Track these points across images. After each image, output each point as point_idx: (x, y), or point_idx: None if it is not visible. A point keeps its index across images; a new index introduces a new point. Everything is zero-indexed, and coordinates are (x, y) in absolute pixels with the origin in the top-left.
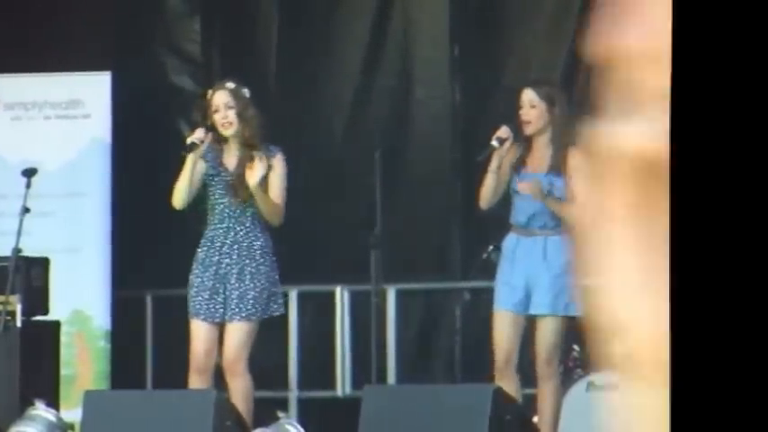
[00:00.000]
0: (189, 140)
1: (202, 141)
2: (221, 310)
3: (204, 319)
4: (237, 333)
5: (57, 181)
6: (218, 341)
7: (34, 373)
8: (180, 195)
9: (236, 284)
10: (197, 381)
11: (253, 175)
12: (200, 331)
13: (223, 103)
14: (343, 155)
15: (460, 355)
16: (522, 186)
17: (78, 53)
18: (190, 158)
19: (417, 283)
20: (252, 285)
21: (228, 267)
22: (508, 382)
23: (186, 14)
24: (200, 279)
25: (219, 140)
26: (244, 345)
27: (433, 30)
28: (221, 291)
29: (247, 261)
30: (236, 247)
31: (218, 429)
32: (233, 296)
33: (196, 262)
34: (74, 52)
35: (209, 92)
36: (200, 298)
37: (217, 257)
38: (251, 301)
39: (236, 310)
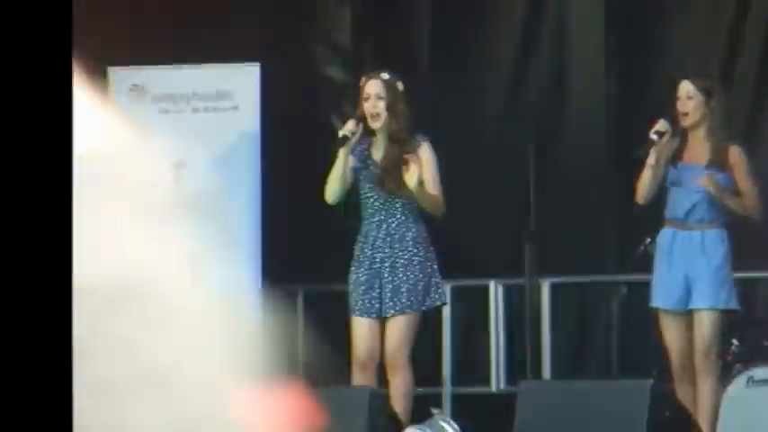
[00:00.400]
0: (340, 133)
1: (353, 134)
2: (377, 305)
3: (361, 315)
4: (396, 327)
5: (206, 175)
6: (381, 336)
7: None
8: (331, 189)
9: (390, 278)
10: (360, 377)
11: (410, 179)
12: (359, 328)
13: (375, 92)
14: (496, 146)
15: (617, 351)
16: (704, 182)
17: (227, 44)
18: (342, 152)
19: (572, 277)
20: (405, 278)
21: (382, 261)
22: (687, 386)
23: (336, 2)
24: (356, 275)
25: (368, 133)
26: (403, 339)
27: (588, 17)
28: (376, 285)
29: (400, 253)
30: (388, 239)
31: (373, 427)
32: (387, 290)
33: (353, 259)
34: (222, 43)
35: (363, 79)
36: (356, 294)
37: (370, 252)
38: (405, 294)
39: (391, 303)
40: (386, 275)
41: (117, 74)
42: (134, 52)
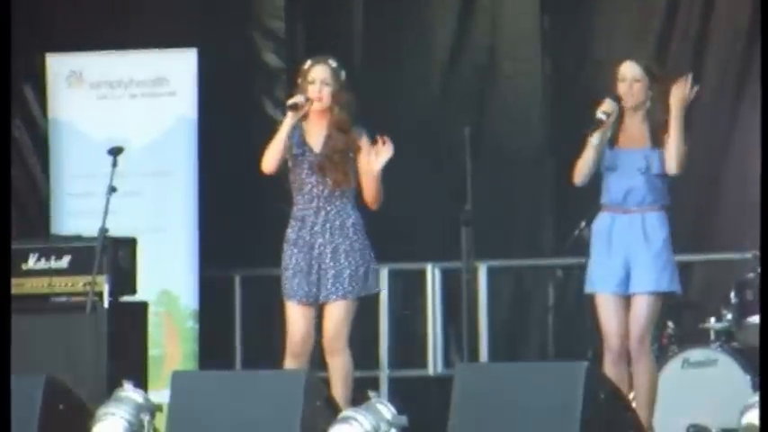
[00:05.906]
0: (290, 102)
1: (303, 105)
2: (315, 290)
3: (299, 301)
4: (336, 312)
5: (143, 160)
6: (316, 322)
7: (122, 354)
8: (271, 159)
9: (331, 263)
10: (293, 363)
11: (374, 166)
12: (296, 314)
13: (321, 78)
14: (431, 130)
15: (553, 334)
16: None
17: (164, 30)
18: (290, 118)
19: (509, 260)
20: (347, 264)
21: (322, 247)
22: (622, 368)
23: None
24: (294, 260)
25: (303, 119)
26: (343, 323)
27: (522, 2)
28: (315, 271)
29: (341, 240)
30: (328, 225)
31: (308, 410)
32: (328, 275)
33: (287, 243)
34: (159, 29)
35: (309, 62)
36: (292, 278)
37: (309, 237)
38: (347, 280)
39: (333, 289)
40: (327, 261)
41: (54, 60)
42: (71, 38)
